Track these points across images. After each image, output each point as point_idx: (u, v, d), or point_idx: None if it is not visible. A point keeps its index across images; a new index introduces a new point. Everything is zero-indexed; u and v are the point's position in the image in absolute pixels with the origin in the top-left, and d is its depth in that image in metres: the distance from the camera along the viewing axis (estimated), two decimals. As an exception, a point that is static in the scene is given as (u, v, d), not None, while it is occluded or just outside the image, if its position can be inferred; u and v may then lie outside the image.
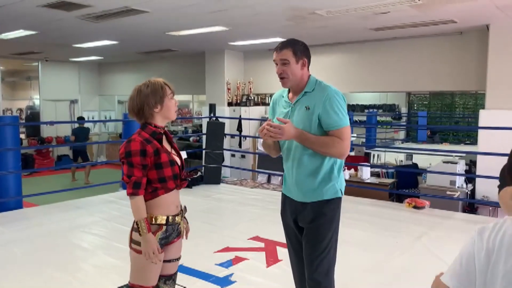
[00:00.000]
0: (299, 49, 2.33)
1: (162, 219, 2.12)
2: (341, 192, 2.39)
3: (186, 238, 2.35)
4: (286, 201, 2.50)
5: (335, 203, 2.37)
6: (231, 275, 3.48)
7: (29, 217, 5.28)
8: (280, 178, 7.45)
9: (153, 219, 2.11)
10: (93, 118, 13.93)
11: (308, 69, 2.39)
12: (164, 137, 2.23)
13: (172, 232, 2.19)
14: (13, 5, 5.54)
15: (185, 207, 2.34)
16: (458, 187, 6.23)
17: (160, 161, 2.09)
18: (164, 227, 2.13)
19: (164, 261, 2.21)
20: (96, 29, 7.22)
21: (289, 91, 2.45)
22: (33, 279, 3.43)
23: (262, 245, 4.19)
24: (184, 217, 2.33)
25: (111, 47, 9.45)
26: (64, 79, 13.49)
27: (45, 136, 12.98)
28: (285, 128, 2.17)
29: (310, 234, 2.35)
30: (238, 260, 3.80)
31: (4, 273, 3.56)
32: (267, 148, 2.47)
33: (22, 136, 12.25)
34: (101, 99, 14.59)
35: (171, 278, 2.29)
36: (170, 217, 2.15)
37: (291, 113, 2.35)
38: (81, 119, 11.58)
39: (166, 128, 2.30)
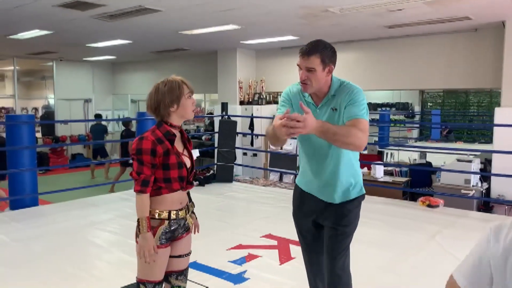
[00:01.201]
0: (327, 55, 2.20)
1: (164, 214, 2.13)
2: (364, 189, 2.42)
3: (195, 233, 2.37)
4: (305, 198, 2.45)
5: (360, 201, 2.39)
6: (244, 272, 3.49)
7: (45, 214, 5.35)
8: (292, 176, 7.44)
9: (156, 214, 2.13)
10: (106, 117, 14.06)
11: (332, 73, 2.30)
12: (179, 136, 2.24)
13: (177, 227, 2.20)
14: (28, 5, 5.62)
15: (192, 202, 2.35)
16: (473, 185, 6.15)
17: (168, 162, 2.10)
18: (166, 222, 2.14)
19: (174, 256, 2.23)
20: (109, 29, 7.29)
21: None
22: (49, 275, 3.48)
23: (275, 242, 4.19)
24: (193, 212, 2.35)
25: (125, 47, 9.53)
26: (78, 79, 13.64)
27: (60, 135, 13.14)
28: (307, 119, 1.94)
29: (335, 232, 2.33)
30: (251, 257, 3.81)
31: (20, 268, 3.61)
32: (276, 139, 2.25)
33: (37, 135, 12.41)
34: (114, 98, 14.73)
35: (183, 273, 2.30)
36: (173, 212, 2.16)
37: (317, 117, 2.22)
38: (98, 117, 11.70)
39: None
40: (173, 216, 2.16)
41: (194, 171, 2.27)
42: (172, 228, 2.17)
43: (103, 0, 5.39)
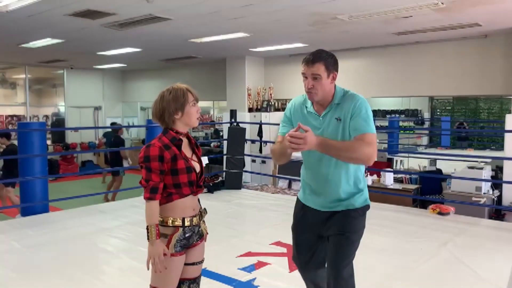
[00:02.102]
0: (330, 63, 2.26)
1: (178, 221, 2.12)
2: (369, 201, 2.42)
3: (205, 240, 2.36)
4: (307, 211, 2.47)
5: (364, 211, 2.39)
6: (254, 279, 3.48)
7: (55, 220, 5.38)
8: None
9: (170, 221, 2.12)
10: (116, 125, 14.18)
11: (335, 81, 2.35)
12: (187, 142, 2.25)
13: (192, 234, 2.19)
14: (41, 14, 5.70)
15: (204, 209, 2.34)
16: (484, 193, 6.09)
17: (177, 167, 2.11)
18: (181, 229, 2.13)
19: (188, 264, 2.22)
20: (120, 37, 7.37)
21: (312, 103, 2.37)
22: (59, 281, 3.49)
23: (284, 250, 4.17)
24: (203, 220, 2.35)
25: (134, 55, 9.62)
26: (89, 86, 13.79)
27: (70, 142, 13.27)
28: (307, 137, 2.05)
29: (340, 238, 2.32)
30: (260, 264, 3.80)
31: (30, 274, 3.64)
32: (280, 156, 2.37)
33: (48, 142, 12.54)
34: (124, 106, 14.85)
35: (195, 281, 2.29)
36: (187, 219, 2.15)
37: (321, 126, 2.30)
38: (114, 125, 11.77)
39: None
40: (187, 223, 2.15)
41: (203, 176, 2.27)
42: (186, 236, 2.16)
43: (114, 9, 5.46)
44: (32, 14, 5.73)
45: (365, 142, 2.16)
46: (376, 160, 7.49)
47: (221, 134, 12.77)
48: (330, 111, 2.29)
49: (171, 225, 2.13)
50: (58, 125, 13.30)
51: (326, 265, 2.42)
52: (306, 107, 2.39)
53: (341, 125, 2.25)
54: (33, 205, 5.61)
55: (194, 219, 2.20)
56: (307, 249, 2.49)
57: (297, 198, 2.58)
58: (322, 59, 2.24)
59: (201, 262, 2.32)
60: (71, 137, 13.45)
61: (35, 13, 5.64)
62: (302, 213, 2.51)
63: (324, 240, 2.43)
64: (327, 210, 2.37)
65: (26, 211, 5.59)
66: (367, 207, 2.40)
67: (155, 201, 2.09)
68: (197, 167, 2.22)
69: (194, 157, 2.25)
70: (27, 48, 8.61)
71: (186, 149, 2.21)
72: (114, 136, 9.33)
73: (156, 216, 2.10)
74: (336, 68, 2.30)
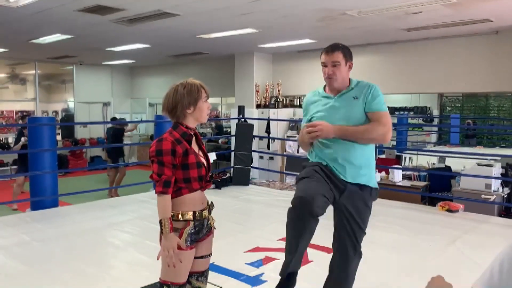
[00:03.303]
0: (348, 53, 2.54)
1: (189, 215, 2.14)
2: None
3: (213, 235, 2.37)
4: (324, 169, 2.46)
5: (375, 191, 2.54)
6: (261, 274, 3.49)
7: (65, 215, 5.43)
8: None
9: (180, 215, 2.13)
10: (125, 120, 14.25)
11: None
12: (194, 138, 2.25)
13: (202, 228, 2.21)
14: (51, 10, 5.74)
15: (212, 203, 2.35)
16: (494, 190, 6.03)
17: (188, 162, 2.12)
18: (192, 223, 2.14)
19: (197, 257, 2.23)
20: (129, 33, 7.39)
21: (324, 90, 2.61)
22: (68, 274, 3.52)
23: (292, 246, 4.17)
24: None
25: (143, 51, 9.65)
26: (98, 82, 13.87)
27: (79, 137, 13.37)
28: (322, 124, 2.34)
29: (355, 219, 2.47)
30: (268, 260, 3.81)
31: (40, 267, 3.67)
32: (302, 144, 2.65)
33: (57, 137, 12.64)
34: (132, 102, 14.91)
35: (203, 274, 2.30)
36: (197, 212, 2.17)
37: (334, 103, 2.49)
38: (114, 119, 11.85)
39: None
40: (197, 216, 2.17)
41: (210, 172, 2.30)
42: (197, 229, 2.18)
43: (123, 4, 5.47)
44: (42, 10, 5.76)
45: (380, 122, 2.39)
46: (384, 157, 7.39)
47: (227, 130, 12.83)
48: (347, 92, 2.51)
49: (182, 219, 2.13)
50: (68, 120, 13.41)
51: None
52: (319, 93, 2.63)
53: (357, 103, 2.44)
54: (43, 199, 5.66)
55: (204, 213, 2.21)
56: (324, 193, 2.33)
57: (308, 159, 2.65)
58: (340, 49, 2.52)
59: (209, 255, 2.33)
60: (80, 133, 13.55)
61: (45, 8, 5.68)
62: (317, 165, 2.49)
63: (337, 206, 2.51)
64: (349, 181, 2.43)
65: (36, 205, 5.64)
66: (376, 191, 2.55)
67: (168, 195, 2.10)
68: (205, 163, 2.25)
69: (201, 153, 2.27)
70: (37, 44, 8.67)
71: (194, 145, 2.23)
72: (113, 128, 9.25)
73: (169, 210, 2.10)
74: (352, 58, 2.57)
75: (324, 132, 2.34)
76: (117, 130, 9.16)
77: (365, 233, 2.54)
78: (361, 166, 2.45)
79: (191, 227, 2.14)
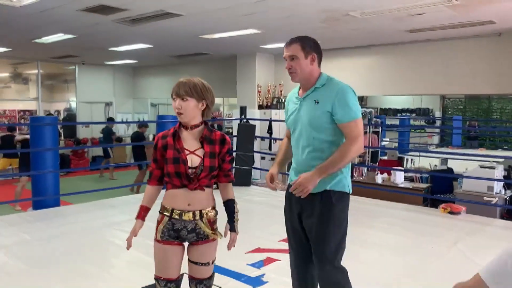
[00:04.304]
0: (307, 44, 2.31)
1: (166, 210, 2.15)
2: (349, 189, 2.37)
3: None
4: (290, 195, 2.46)
5: (343, 197, 2.33)
6: (262, 275, 3.48)
7: (66, 214, 5.44)
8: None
9: (162, 208, 2.18)
10: (127, 120, 14.28)
11: (319, 66, 2.37)
12: (192, 135, 2.15)
13: (182, 229, 2.12)
14: (54, 9, 5.74)
15: (215, 211, 2.23)
16: (496, 193, 6.01)
17: (166, 156, 2.13)
18: (166, 218, 2.14)
19: (191, 261, 2.21)
20: (131, 33, 7.40)
21: (299, 88, 2.45)
22: (70, 273, 3.52)
23: (293, 247, 4.16)
24: (209, 226, 2.19)
25: (146, 51, 9.66)
26: (100, 82, 13.88)
27: (81, 137, 13.38)
28: (301, 181, 2.22)
29: (318, 229, 2.30)
30: (269, 261, 3.80)
31: (42, 267, 3.67)
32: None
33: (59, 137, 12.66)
34: (134, 102, 14.92)
35: (202, 282, 2.23)
36: (176, 211, 2.12)
37: (300, 107, 2.36)
38: (110, 120, 12.09)
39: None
40: (175, 215, 2.12)
41: (205, 173, 2.11)
42: (175, 228, 2.14)
43: (126, 4, 5.47)
44: (45, 9, 5.77)
45: (350, 138, 2.24)
46: (386, 158, 7.36)
47: (229, 131, 12.82)
48: (311, 94, 2.33)
49: (160, 211, 2.18)
50: (70, 120, 13.42)
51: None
52: (295, 92, 2.48)
53: (318, 108, 2.27)
54: (44, 199, 5.67)
55: (186, 215, 2.12)
56: (296, 233, 2.49)
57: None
58: (299, 40, 2.32)
59: (205, 264, 2.21)
60: (82, 133, 13.57)
61: (48, 8, 5.69)
62: (289, 195, 2.51)
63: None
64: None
65: (38, 205, 5.65)
66: (346, 194, 2.36)
67: (149, 186, 2.22)
68: (195, 161, 2.10)
69: (199, 152, 2.13)
70: (40, 43, 8.68)
71: (189, 142, 2.15)
72: (135, 132, 9.81)
73: (146, 198, 2.23)
74: (316, 50, 2.33)
75: (310, 186, 2.21)
76: (138, 134, 9.50)
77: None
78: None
79: (167, 222, 2.14)
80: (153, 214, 2.21)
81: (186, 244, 2.23)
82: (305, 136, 2.33)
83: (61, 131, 13.07)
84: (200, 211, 2.15)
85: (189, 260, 2.23)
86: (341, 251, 2.34)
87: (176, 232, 2.15)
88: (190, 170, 2.09)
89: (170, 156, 2.11)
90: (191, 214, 2.12)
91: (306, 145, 2.33)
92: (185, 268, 2.24)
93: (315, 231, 2.31)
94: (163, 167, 2.17)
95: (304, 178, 2.22)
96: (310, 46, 2.31)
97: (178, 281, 2.21)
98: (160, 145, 2.15)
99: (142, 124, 9.76)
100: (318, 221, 2.30)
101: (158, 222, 2.17)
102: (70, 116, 13.61)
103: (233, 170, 7.46)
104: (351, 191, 2.39)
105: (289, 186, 2.47)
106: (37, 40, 8.35)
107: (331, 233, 2.29)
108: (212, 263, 2.26)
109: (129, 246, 2.26)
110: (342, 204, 2.32)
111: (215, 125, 13.83)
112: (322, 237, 2.30)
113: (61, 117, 13.50)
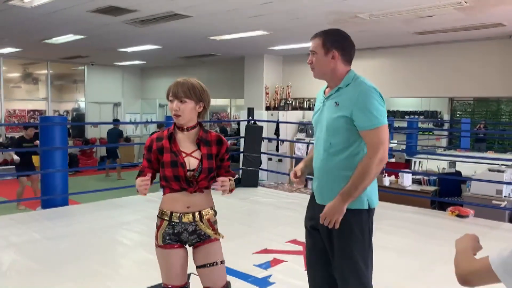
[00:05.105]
0: (329, 40, 2.12)
1: (166, 214, 2.11)
2: (368, 204, 2.10)
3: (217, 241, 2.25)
4: (311, 199, 2.33)
5: (361, 214, 2.09)
6: (269, 276, 3.49)
7: (75, 214, 5.48)
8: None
9: (160, 213, 2.14)
10: (135, 120, 14.37)
11: (345, 63, 2.15)
12: (188, 137, 2.13)
13: (182, 231, 2.11)
14: (64, 10, 5.80)
15: (214, 211, 2.21)
16: (505, 196, 5.97)
17: (163, 160, 2.08)
18: (166, 222, 2.10)
19: (199, 266, 2.17)
20: (140, 34, 7.45)
21: (327, 86, 2.26)
22: (78, 272, 3.55)
23: (300, 248, 4.16)
24: (208, 225, 2.16)
25: (154, 52, 9.71)
26: (109, 83, 13.98)
27: (89, 137, 13.48)
28: (326, 213, 2.03)
29: (336, 251, 2.11)
30: (276, 262, 3.80)
31: (50, 265, 3.71)
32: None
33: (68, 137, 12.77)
34: (143, 103, 15.00)
35: None
36: (175, 214, 2.09)
37: (323, 108, 2.19)
38: (115, 121, 12.22)
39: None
40: (174, 218, 2.09)
41: (204, 174, 2.09)
42: (175, 231, 2.11)
43: (136, 5, 5.52)
44: (56, 10, 5.83)
45: (371, 148, 2.01)
46: (394, 161, 7.33)
47: (231, 133, 12.86)
48: (333, 94, 2.15)
49: (159, 216, 2.15)
50: (78, 120, 13.54)
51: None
52: (323, 90, 2.30)
53: (337, 111, 2.07)
54: (53, 198, 5.72)
55: (185, 217, 2.09)
56: (308, 242, 2.39)
57: None
58: (322, 35, 2.15)
59: (213, 264, 2.15)
60: (91, 133, 13.67)
61: (58, 9, 5.75)
62: (309, 201, 2.40)
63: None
64: (317, 201, 2.22)
65: (47, 204, 5.70)
66: (365, 211, 2.12)
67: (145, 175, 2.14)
68: (193, 164, 2.07)
69: (196, 154, 2.10)
70: (50, 44, 8.76)
71: (185, 144, 2.12)
72: (154, 133, 9.83)
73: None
74: (339, 47, 2.12)
75: (337, 215, 2.00)
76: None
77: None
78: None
79: (167, 226, 2.11)
80: (155, 214, 2.21)
81: (189, 249, 2.20)
82: (322, 140, 2.16)
83: (70, 131, 13.18)
84: (200, 212, 2.13)
85: (197, 267, 2.17)
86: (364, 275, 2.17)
87: (177, 236, 2.12)
88: (188, 173, 2.06)
89: (167, 159, 2.06)
90: (190, 215, 2.10)
91: (322, 150, 2.15)
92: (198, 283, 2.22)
93: (335, 256, 2.15)
94: (156, 169, 2.14)
95: (329, 208, 2.02)
96: (332, 42, 2.11)
97: (185, 287, 2.20)
98: (156, 148, 2.11)
99: (162, 125, 9.79)
100: (330, 243, 2.16)
101: (158, 227, 2.13)
102: (79, 116, 13.72)
103: (240, 171, 7.48)
104: (373, 206, 2.14)
105: (312, 194, 2.32)
106: (48, 41, 8.43)
107: (352, 256, 2.10)
108: (222, 263, 2.19)
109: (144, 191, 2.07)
110: (359, 224, 2.09)
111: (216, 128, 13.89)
112: (339, 264, 2.15)
113: (70, 117, 13.61)
